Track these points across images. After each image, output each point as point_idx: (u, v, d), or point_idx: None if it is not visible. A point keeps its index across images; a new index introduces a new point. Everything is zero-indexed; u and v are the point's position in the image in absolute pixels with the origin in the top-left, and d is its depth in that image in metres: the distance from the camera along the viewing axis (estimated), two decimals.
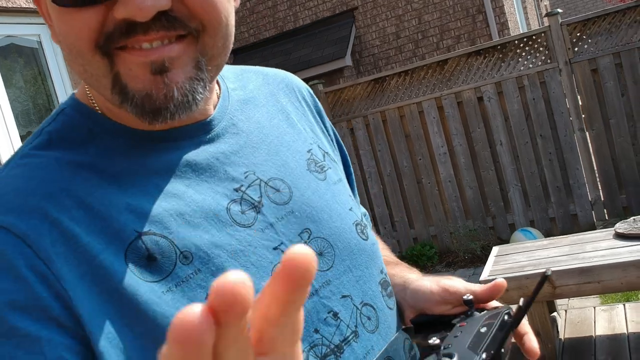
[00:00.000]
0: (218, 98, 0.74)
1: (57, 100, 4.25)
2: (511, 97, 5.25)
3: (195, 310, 0.26)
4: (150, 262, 0.59)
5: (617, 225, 3.24)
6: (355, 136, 5.86)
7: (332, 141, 0.89)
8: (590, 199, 5.18)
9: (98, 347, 0.55)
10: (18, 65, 4.22)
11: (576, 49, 5.04)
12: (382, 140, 5.76)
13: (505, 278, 3.28)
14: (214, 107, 0.73)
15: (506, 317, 0.67)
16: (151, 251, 0.59)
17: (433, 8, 9.46)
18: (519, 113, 5.25)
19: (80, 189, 0.61)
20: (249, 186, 0.69)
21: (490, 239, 5.38)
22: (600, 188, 5.18)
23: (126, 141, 0.65)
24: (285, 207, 0.70)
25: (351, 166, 0.93)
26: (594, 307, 3.68)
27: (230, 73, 0.81)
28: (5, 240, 0.56)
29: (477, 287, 0.77)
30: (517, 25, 10.35)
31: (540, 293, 2.81)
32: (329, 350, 0.66)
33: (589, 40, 5.00)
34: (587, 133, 5.17)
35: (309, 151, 0.79)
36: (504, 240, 5.26)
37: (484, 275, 3.12)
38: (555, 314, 3.47)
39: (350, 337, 0.69)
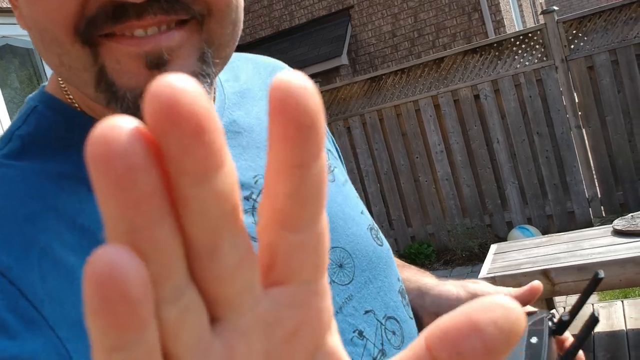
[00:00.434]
0: (214, 91, 0.65)
1: None
2: (508, 95, 5.26)
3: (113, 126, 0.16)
4: None
5: (615, 222, 3.25)
6: (352, 135, 5.85)
7: (327, 134, 0.81)
8: (587, 196, 5.18)
9: None
10: (13, 66, 4.20)
11: (572, 46, 5.05)
12: (379, 139, 5.76)
13: (504, 276, 3.29)
14: (213, 102, 0.63)
15: (550, 324, 0.61)
16: None
17: (429, 6, 9.46)
18: (516, 111, 5.25)
19: (68, 206, 0.50)
20: (259, 193, 0.60)
21: (487, 237, 5.38)
22: (597, 185, 5.19)
23: None
24: None
25: (342, 158, 0.86)
26: (593, 304, 3.69)
27: None
28: None
29: (510, 291, 0.70)
30: (513, 23, 10.36)
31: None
32: None
33: (585, 38, 5.00)
34: (583, 130, 5.18)
35: None
36: (502, 238, 5.26)
37: (482, 273, 3.12)
38: (554, 311, 3.47)
39: (378, 357, 0.63)
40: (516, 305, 0.18)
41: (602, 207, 5.18)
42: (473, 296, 0.71)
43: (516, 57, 5.22)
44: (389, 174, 5.78)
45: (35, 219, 0.49)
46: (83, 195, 0.51)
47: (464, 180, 5.53)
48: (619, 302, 3.63)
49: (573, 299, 3.89)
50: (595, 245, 3.11)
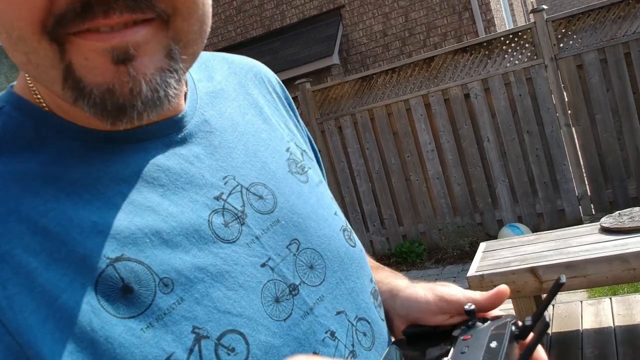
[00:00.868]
0: (186, 90, 0.65)
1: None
2: (498, 94, 5.28)
3: None
4: (126, 294, 0.49)
5: (602, 219, 3.27)
6: (343, 134, 5.86)
7: (304, 135, 0.81)
8: (577, 194, 5.22)
9: None
10: (4, 67, 4.19)
11: (561, 45, 5.07)
12: (370, 139, 5.77)
13: (492, 274, 3.30)
14: (185, 101, 0.63)
15: (513, 328, 0.61)
16: (126, 281, 0.50)
17: (419, 5, 9.48)
18: (506, 109, 5.28)
19: (32, 208, 0.50)
20: (230, 193, 0.60)
21: (478, 235, 5.40)
22: (587, 183, 5.22)
23: (83, 144, 0.55)
24: (271, 217, 0.63)
25: (320, 159, 0.84)
26: (581, 302, 3.71)
27: None
28: None
29: (477, 295, 0.70)
30: (504, 22, 10.39)
31: (527, 288, 2.81)
32: None
33: (574, 36, 5.03)
34: (573, 129, 5.20)
35: (287, 150, 0.71)
36: (492, 236, 5.29)
37: (471, 272, 3.14)
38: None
39: (349, 358, 0.63)
40: None
41: (592, 205, 5.21)
42: (441, 299, 0.70)
43: (506, 56, 5.25)
44: (380, 173, 5.79)
45: None
46: (49, 197, 0.51)
47: (455, 179, 5.55)
48: (607, 299, 3.65)
49: (562, 296, 3.92)
50: (583, 242, 3.12)
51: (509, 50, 5.24)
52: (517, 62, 5.21)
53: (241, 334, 0.54)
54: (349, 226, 0.75)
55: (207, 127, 0.64)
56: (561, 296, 3.92)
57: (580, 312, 3.57)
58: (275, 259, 0.61)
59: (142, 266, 0.51)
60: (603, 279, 2.89)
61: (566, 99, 5.18)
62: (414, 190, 5.70)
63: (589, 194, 5.21)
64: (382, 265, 0.85)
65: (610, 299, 3.66)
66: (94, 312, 0.48)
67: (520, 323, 0.62)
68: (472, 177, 5.50)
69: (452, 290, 0.71)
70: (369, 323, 0.68)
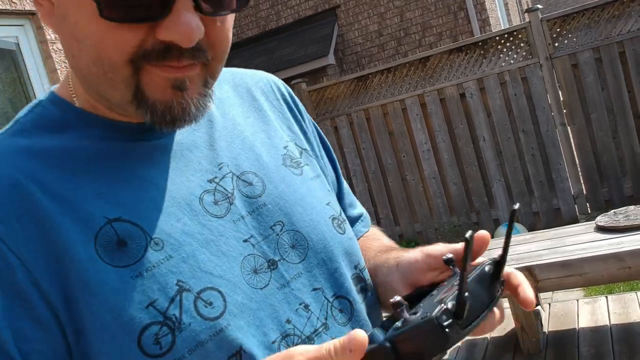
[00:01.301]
0: None
1: None
2: (493, 93, 5.29)
3: None
4: (121, 247, 0.60)
5: (598, 218, 3.28)
6: (339, 134, 5.86)
7: (314, 138, 0.90)
8: (572, 193, 5.23)
9: (69, 337, 0.58)
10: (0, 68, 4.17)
11: (556, 44, 5.09)
12: (366, 138, 5.77)
13: None
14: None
15: (487, 269, 0.61)
16: (121, 236, 0.61)
17: (415, 5, 9.49)
18: (501, 109, 5.29)
19: (50, 177, 0.62)
20: (222, 178, 0.71)
21: None
22: (582, 182, 5.23)
23: (103, 131, 0.67)
24: (258, 201, 0.72)
25: (336, 161, 0.94)
26: (577, 300, 3.72)
27: None
28: None
29: (459, 246, 0.73)
30: (499, 22, 10.41)
31: None
32: (300, 340, 0.67)
33: (569, 36, 5.04)
34: (568, 128, 5.21)
35: (284, 147, 0.80)
36: None
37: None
38: (539, 307, 3.50)
39: (321, 329, 0.70)
40: None
41: (587, 203, 5.22)
42: (427, 256, 0.74)
43: (501, 55, 5.25)
44: (376, 173, 5.80)
45: (17, 186, 0.60)
46: (66, 169, 0.63)
47: (451, 178, 5.55)
48: (603, 298, 3.66)
49: (558, 294, 3.93)
50: (579, 241, 3.13)
51: (504, 50, 5.24)
52: (512, 61, 5.22)
53: (220, 292, 0.63)
54: (344, 217, 0.82)
55: (210, 124, 0.76)
56: (557, 295, 3.93)
57: (577, 310, 3.58)
58: (257, 237, 0.69)
59: (137, 227, 0.62)
60: (599, 277, 2.90)
61: (561, 98, 5.19)
62: (410, 190, 5.71)
63: (584, 192, 5.22)
64: (396, 247, 0.89)
65: (606, 297, 3.66)
66: (92, 261, 0.59)
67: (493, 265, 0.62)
68: (468, 177, 5.51)
69: (436, 246, 0.75)
70: (349, 302, 0.75)
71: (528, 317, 3.14)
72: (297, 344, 0.66)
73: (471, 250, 0.52)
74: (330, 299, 0.72)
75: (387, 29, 9.75)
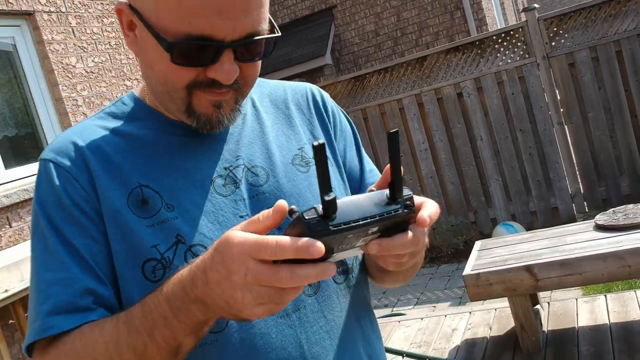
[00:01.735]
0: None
1: (34, 103, 4.19)
2: (490, 93, 5.29)
3: None
4: (143, 205, 0.85)
5: (597, 217, 3.28)
6: None
7: (340, 136, 1.04)
8: (570, 192, 5.23)
9: (110, 247, 0.84)
10: None
11: (553, 43, 5.09)
12: (363, 138, 5.77)
13: (488, 272, 3.30)
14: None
15: (385, 192, 0.67)
16: (145, 197, 0.85)
17: (411, 5, 9.49)
18: (499, 108, 5.29)
19: (110, 149, 0.88)
20: (236, 167, 0.91)
21: (472, 234, 5.41)
22: (579, 181, 5.24)
23: (161, 124, 0.92)
24: (259, 189, 0.91)
25: (362, 149, 1.08)
26: (576, 299, 3.72)
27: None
28: (57, 171, 0.85)
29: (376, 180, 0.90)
30: (495, 21, 10.42)
31: (523, 286, 2.80)
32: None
33: (566, 35, 5.05)
34: (566, 127, 5.22)
35: (299, 149, 0.97)
36: (486, 235, 5.29)
37: (467, 270, 3.14)
38: (538, 306, 3.50)
39: (301, 296, 0.87)
40: None
41: (585, 202, 5.23)
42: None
43: (498, 54, 5.26)
44: None
45: (90, 150, 0.87)
46: (125, 147, 0.88)
47: (448, 177, 5.56)
48: (602, 297, 3.67)
49: (557, 293, 3.93)
50: (578, 240, 3.13)
51: (501, 49, 5.25)
52: (509, 60, 5.22)
53: (206, 249, 0.78)
54: None
55: (243, 125, 0.97)
56: (556, 294, 3.93)
57: (576, 309, 3.58)
58: (251, 216, 0.80)
59: (157, 194, 0.86)
60: (598, 276, 2.90)
61: (558, 97, 5.20)
62: None
63: (582, 191, 5.23)
64: None
65: (605, 296, 3.67)
66: (123, 209, 0.84)
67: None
68: (465, 176, 5.51)
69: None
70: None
71: (527, 316, 3.14)
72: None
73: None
74: None
75: (383, 29, 9.75)
